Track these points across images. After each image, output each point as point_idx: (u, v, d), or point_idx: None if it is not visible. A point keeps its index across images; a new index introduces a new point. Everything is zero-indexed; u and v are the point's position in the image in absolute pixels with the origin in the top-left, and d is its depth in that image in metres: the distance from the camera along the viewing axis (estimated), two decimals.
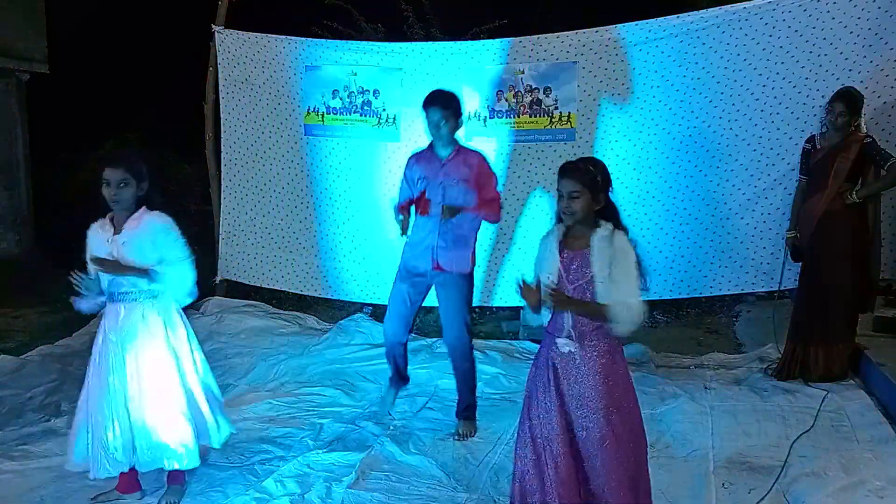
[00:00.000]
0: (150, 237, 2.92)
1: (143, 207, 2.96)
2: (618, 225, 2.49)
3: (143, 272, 2.88)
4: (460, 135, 3.78)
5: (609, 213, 2.51)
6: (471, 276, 3.76)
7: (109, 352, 2.93)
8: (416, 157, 3.77)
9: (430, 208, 3.61)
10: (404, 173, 3.78)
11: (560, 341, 2.50)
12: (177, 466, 2.99)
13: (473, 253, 3.74)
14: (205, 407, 3.07)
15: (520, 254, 5.19)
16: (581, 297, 2.45)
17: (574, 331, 2.48)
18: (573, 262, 2.47)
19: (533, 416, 2.53)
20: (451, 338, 3.74)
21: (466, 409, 3.77)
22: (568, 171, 2.48)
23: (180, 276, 2.98)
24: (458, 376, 3.79)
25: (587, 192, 2.44)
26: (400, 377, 3.97)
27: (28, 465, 3.35)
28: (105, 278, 2.93)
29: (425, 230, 3.65)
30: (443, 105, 3.59)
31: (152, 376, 2.94)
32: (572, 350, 2.48)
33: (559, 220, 2.54)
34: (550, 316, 2.54)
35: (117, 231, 2.92)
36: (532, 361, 2.65)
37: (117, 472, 2.98)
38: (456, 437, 3.66)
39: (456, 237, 3.64)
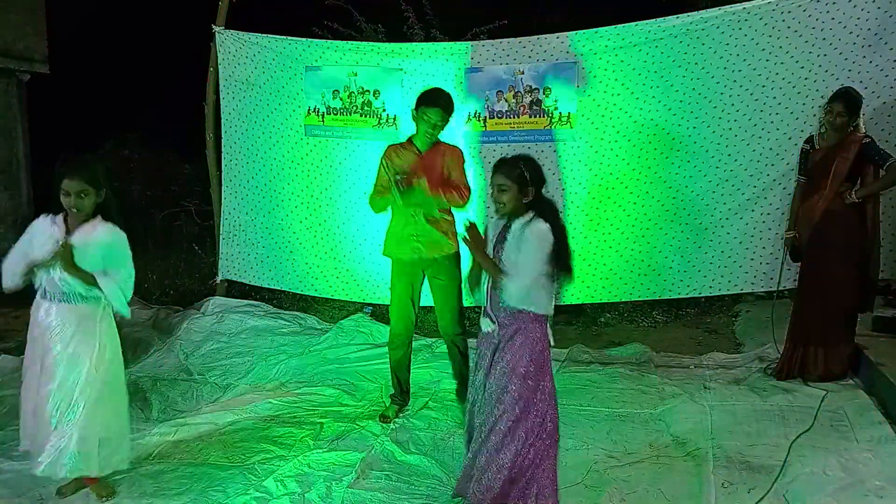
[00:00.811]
0: (102, 250, 2.97)
1: (99, 216, 3.00)
2: (545, 216, 2.67)
3: (91, 278, 2.92)
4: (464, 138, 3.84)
5: (539, 207, 2.70)
6: (458, 258, 3.83)
7: (39, 349, 3.01)
8: (394, 151, 3.82)
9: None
10: (381, 163, 3.79)
11: (482, 320, 2.76)
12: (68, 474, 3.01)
13: (454, 234, 3.81)
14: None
15: None
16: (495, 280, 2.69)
17: (491, 311, 2.73)
18: (498, 247, 2.73)
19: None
20: (443, 326, 3.86)
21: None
22: (497, 166, 2.73)
23: (122, 290, 3.00)
24: (455, 364, 3.90)
25: (514, 187, 2.67)
26: (402, 391, 3.98)
27: (28, 464, 3.34)
28: (44, 274, 2.96)
29: (403, 222, 3.74)
30: (444, 107, 3.67)
31: (73, 380, 2.97)
32: (489, 330, 2.73)
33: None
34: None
35: (69, 232, 2.96)
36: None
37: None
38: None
39: (431, 222, 3.73)
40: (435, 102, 3.66)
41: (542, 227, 2.64)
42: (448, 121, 3.72)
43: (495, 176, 2.72)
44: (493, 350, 2.72)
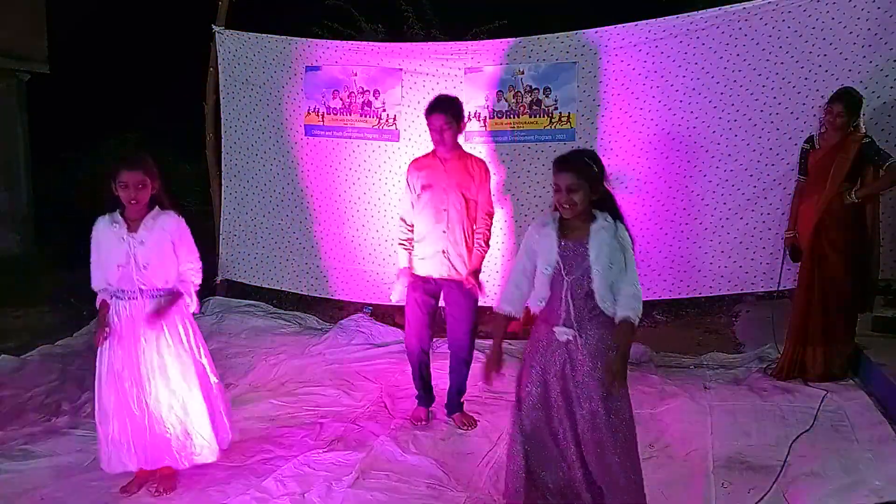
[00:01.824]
0: (171, 238, 3.01)
1: (157, 207, 3.03)
2: (616, 215, 2.55)
3: (176, 294, 3.03)
4: (462, 140, 3.84)
5: (606, 204, 2.56)
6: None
7: (132, 348, 2.99)
8: (417, 165, 3.82)
9: (435, 216, 3.67)
10: (407, 181, 3.81)
11: (558, 329, 2.55)
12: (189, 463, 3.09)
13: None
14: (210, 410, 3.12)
15: None
16: (577, 287, 2.51)
17: (573, 319, 2.52)
18: (571, 253, 2.52)
19: (535, 402, 2.59)
20: (455, 339, 3.81)
21: (461, 403, 3.88)
22: (565, 164, 2.53)
23: (194, 284, 3.12)
24: (457, 374, 3.85)
25: (585, 185, 2.50)
26: (427, 392, 3.95)
27: (28, 464, 3.35)
28: (116, 276, 2.96)
29: (433, 237, 3.69)
30: (444, 110, 3.65)
31: (173, 371, 3.04)
32: (570, 338, 2.54)
33: (555, 209, 2.59)
34: (545, 304, 2.58)
35: (132, 230, 2.96)
36: (527, 352, 2.68)
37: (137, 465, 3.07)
38: (462, 429, 3.74)
39: (463, 242, 3.72)
40: (432, 109, 3.66)
41: (625, 229, 2.53)
42: (455, 122, 3.67)
43: (563, 175, 2.50)
44: (562, 360, 2.55)
